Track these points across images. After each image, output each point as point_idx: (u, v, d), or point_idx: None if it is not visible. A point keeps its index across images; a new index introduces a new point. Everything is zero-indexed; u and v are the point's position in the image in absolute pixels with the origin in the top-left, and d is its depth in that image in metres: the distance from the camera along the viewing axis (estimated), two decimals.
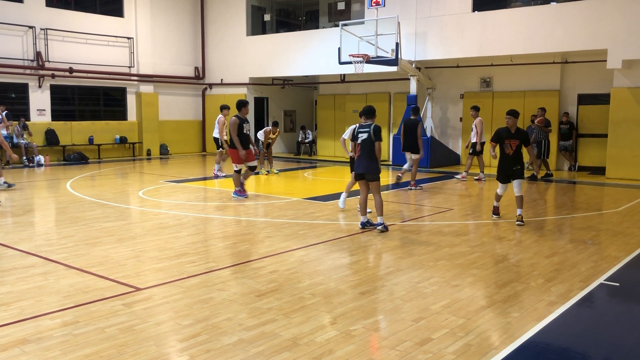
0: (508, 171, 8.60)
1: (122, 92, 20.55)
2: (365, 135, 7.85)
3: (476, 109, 13.83)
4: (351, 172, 9.30)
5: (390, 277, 5.83)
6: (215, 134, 14.41)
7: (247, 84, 21.38)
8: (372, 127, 7.87)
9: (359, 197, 8.31)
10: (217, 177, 14.26)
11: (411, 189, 12.20)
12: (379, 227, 7.87)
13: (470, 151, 13.91)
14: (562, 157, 16.11)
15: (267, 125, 20.34)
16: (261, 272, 5.99)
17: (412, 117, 12.31)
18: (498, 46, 15.52)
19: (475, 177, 14.19)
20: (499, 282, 5.67)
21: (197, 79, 22.52)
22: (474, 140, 13.70)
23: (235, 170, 10.94)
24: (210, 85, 22.56)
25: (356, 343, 4.14)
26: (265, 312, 4.75)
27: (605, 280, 5.77)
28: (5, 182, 12.03)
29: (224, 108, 14.10)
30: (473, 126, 13.71)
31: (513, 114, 8.54)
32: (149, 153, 20.97)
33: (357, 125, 8.10)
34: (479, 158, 13.94)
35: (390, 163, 17.59)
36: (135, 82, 20.65)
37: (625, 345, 4.24)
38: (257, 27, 22.12)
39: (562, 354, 4.09)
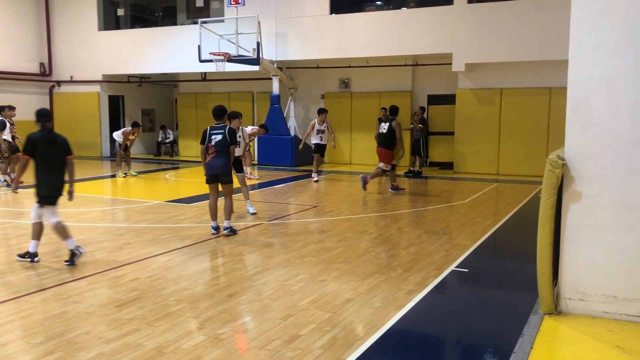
0: None
1: None
2: (219, 137, 7.55)
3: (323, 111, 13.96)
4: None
5: (258, 277, 5.82)
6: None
7: (101, 81, 20.14)
8: (226, 129, 7.62)
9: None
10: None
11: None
12: (225, 232, 7.65)
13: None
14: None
15: (125, 126, 19.34)
16: (121, 280, 5.67)
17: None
18: (355, 48, 16.15)
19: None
20: (362, 274, 5.90)
21: (43, 76, 20.76)
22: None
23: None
24: (59, 83, 20.92)
25: (224, 347, 4.07)
26: (127, 323, 4.50)
27: (456, 267, 6.24)
28: None
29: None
30: (325, 127, 13.65)
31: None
32: None
33: (209, 127, 7.74)
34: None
35: (256, 162, 17.58)
36: None
37: (475, 325, 4.61)
38: (110, 21, 20.93)
39: (420, 338, 4.36)
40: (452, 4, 14.99)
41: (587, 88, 4.51)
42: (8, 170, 12.76)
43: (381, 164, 11.59)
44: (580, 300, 4.63)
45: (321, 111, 13.87)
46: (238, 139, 9.36)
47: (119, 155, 14.58)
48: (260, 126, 14.44)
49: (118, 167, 14.60)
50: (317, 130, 13.61)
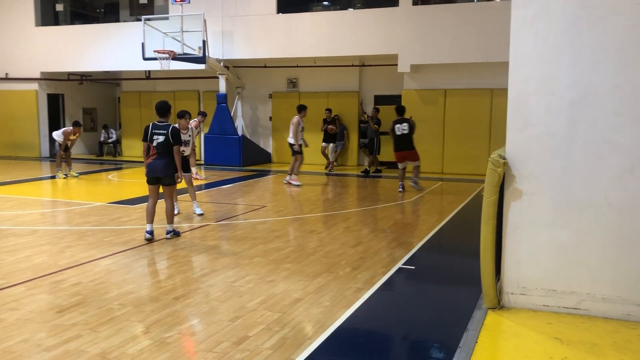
0: None
1: None
2: (161, 138, 7.20)
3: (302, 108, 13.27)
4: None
5: (205, 279, 5.73)
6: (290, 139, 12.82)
7: (39, 79, 19.36)
8: (169, 129, 7.24)
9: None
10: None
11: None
12: (168, 236, 7.43)
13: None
14: (362, 153, 17.34)
15: (65, 125, 18.68)
16: (62, 285, 5.47)
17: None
18: (302, 48, 16.15)
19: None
20: (311, 274, 5.91)
21: None
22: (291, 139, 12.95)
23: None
24: None
25: (171, 350, 3.99)
26: (69, 329, 4.34)
27: (403, 264, 6.34)
28: None
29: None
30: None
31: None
32: None
33: (151, 124, 7.36)
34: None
35: (203, 162, 17.33)
36: None
37: (422, 321, 4.70)
38: (49, 17, 20.14)
39: (368, 336, 4.40)
40: (398, 5, 15.23)
41: (527, 89, 4.67)
42: None
43: (416, 162, 11.71)
44: (521, 295, 4.79)
45: (302, 108, 13.10)
46: (188, 139, 9.13)
47: (59, 156, 14.06)
48: (199, 114, 13.80)
49: (58, 168, 14.08)
50: (302, 128, 12.91)
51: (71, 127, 14.13)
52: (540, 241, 4.70)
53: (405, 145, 11.60)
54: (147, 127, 7.38)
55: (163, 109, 7.40)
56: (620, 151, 4.44)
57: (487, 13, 14.25)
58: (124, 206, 9.99)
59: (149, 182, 7.41)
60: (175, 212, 8.97)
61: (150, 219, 7.40)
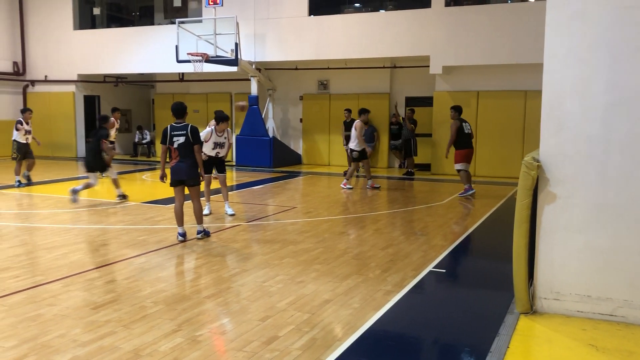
0: None
1: None
2: (182, 139, 7.17)
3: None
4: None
5: (236, 279, 5.79)
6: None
7: (76, 81, 19.85)
8: (188, 128, 7.20)
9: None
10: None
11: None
12: (199, 236, 7.45)
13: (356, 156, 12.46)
14: (393, 155, 17.26)
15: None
16: (97, 282, 5.59)
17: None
18: (333, 50, 16.18)
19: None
20: (341, 275, 5.91)
21: (17, 75, 20.39)
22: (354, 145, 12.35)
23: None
24: (33, 82, 20.57)
25: (202, 348, 4.04)
26: (103, 325, 4.44)
27: (433, 267, 6.29)
28: None
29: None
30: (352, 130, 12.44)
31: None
32: None
33: (169, 126, 7.31)
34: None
35: (234, 164, 17.50)
36: None
37: (452, 325, 4.66)
38: (86, 20, 20.64)
39: (398, 339, 4.38)
40: (430, 7, 15.13)
41: (562, 91, 4.59)
42: (21, 172, 12.73)
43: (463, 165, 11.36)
44: (555, 300, 4.70)
45: (364, 111, 12.73)
46: (223, 140, 9.09)
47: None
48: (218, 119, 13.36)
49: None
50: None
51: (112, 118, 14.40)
52: (575, 245, 4.61)
53: (469, 143, 11.45)
54: (165, 130, 7.30)
55: (180, 110, 7.35)
56: None
57: (520, 14, 14.04)
58: (157, 206, 10.16)
59: (173, 184, 7.38)
60: (207, 212, 9.08)
61: (180, 221, 7.41)
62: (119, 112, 14.68)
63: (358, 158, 12.40)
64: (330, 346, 4.10)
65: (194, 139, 7.24)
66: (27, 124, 12.82)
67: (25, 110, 13.17)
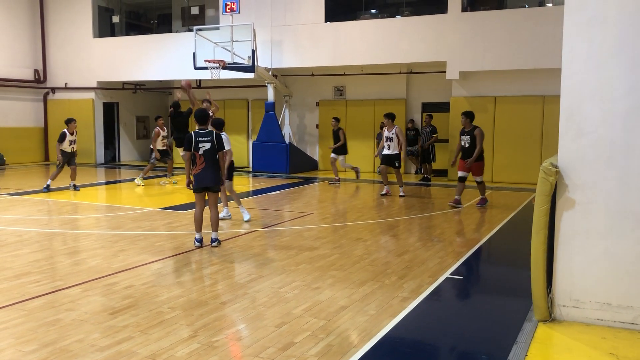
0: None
1: None
2: (208, 145, 7.22)
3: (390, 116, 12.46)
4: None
5: (252, 285, 5.80)
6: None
7: (95, 88, 20.12)
8: (213, 135, 7.30)
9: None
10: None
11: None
12: (214, 244, 7.44)
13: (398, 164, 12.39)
14: (409, 161, 17.19)
15: (119, 132, 19.26)
16: (115, 288, 5.64)
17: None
18: (350, 56, 16.20)
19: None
20: (357, 281, 5.89)
21: (38, 83, 20.73)
22: (397, 150, 12.23)
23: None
24: (53, 90, 20.89)
25: (219, 354, 4.05)
26: (121, 330, 4.48)
27: (450, 274, 6.24)
28: None
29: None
30: (394, 135, 12.19)
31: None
32: None
33: (193, 132, 7.32)
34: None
35: (251, 170, 17.56)
36: None
37: (470, 332, 4.61)
38: (105, 28, 20.93)
39: (414, 346, 4.35)
40: (447, 12, 15.09)
41: (580, 96, 4.54)
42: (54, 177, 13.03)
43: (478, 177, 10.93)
44: (574, 308, 4.64)
45: (389, 116, 12.37)
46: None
47: (170, 163, 14.98)
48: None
49: (169, 175, 15.01)
50: (386, 137, 12.30)
51: (156, 128, 14.55)
52: (595, 252, 4.54)
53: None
54: (189, 137, 7.34)
55: (203, 117, 7.40)
56: None
57: (538, 18, 13.93)
58: (175, 212, 10.23)
59: (197, 190, 7.42)
60: (228, 215, 9.18)
61: (199, 227, 7.45)
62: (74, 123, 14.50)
63: (399, 164, 12.30)
64: (346, 353, 4.08)
65: (219, 145, 7.32)
66: (72, 134, 12.94)
67: (70, 121, 12.94)
